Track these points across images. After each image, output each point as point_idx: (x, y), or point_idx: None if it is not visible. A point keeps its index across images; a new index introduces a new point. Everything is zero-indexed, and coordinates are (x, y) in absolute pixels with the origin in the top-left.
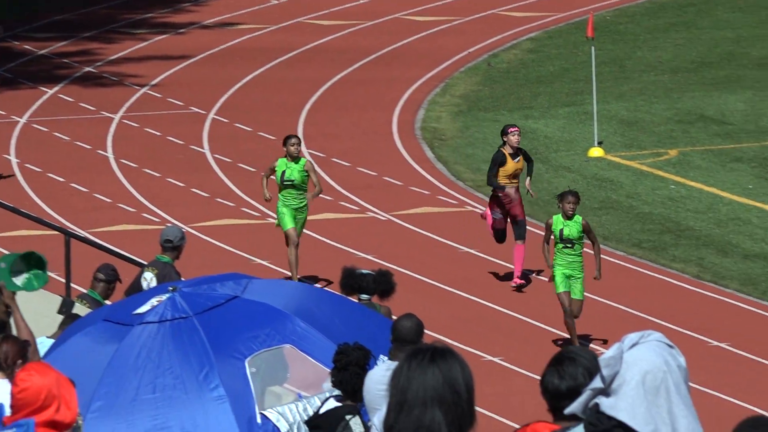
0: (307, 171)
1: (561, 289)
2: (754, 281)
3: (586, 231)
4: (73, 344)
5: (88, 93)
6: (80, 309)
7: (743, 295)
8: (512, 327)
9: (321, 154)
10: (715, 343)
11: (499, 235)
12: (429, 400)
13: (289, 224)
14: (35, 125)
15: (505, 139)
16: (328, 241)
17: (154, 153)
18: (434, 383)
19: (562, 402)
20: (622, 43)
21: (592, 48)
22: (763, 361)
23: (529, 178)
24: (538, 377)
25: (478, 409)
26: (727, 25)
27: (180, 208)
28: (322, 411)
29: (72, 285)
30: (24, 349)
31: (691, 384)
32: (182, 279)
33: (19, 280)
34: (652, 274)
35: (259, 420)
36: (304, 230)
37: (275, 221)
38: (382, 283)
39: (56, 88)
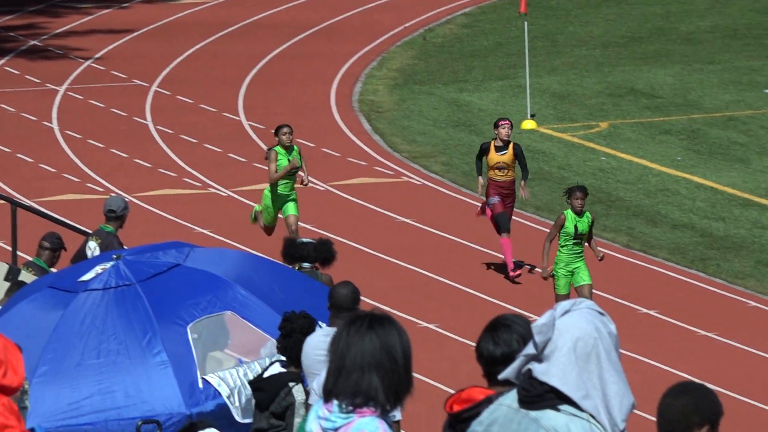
0: (301, 156)
1: (563, 291)
2: (682, 250)
3: (592, 225)
4: (19, 311)
5: (33, 66)
6: (26, 276)
7: (672, 263)
8: (447, 294)
9: (261, 126)
10: (645, 310)
11: (502, 219)
12: (366, 365)
13: (273, 221)
14: None
15: (495, 132)
16: None
17: (98, 124)
18: (372, 349)
19: (496, 368)
20: (554, 19)
21: (525, 23)
22: (691, 328)
23: (523, 182)
24: (473, 344)
25: (414, 374)
26: (656, 0)
27: (123, 179)
28: (266, 375)
29: (18, 253)
30: None
31: (621, 350)
32: (125, 248)
33: None
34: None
35: (200, 384)
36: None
37: (256, 209)
38: (323, 252)
39: (2, 61)
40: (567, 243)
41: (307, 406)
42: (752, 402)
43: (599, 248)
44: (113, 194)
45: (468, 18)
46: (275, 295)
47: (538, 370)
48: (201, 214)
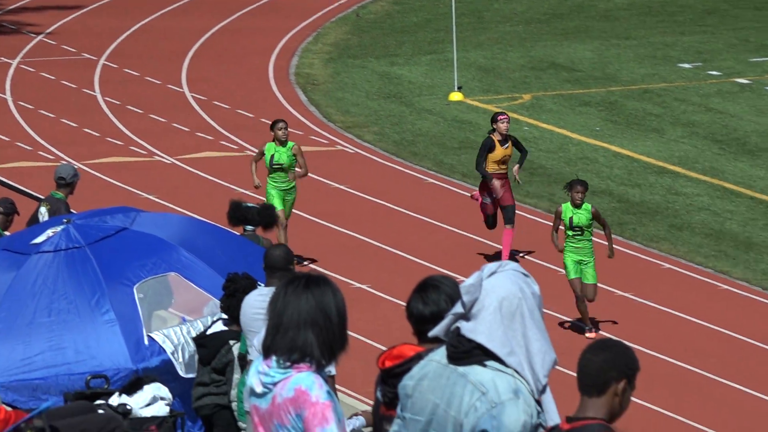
0: (294, 154)
1: (572, 275)
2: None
3: (596, 217)
4: None
5: None
6: None
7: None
8: (379, 257)
9: (203, 98)
10: (563, 272)
11: (490, 221)
12: (303, 323)
13: (277, 206)
14: None
15: (494, 126)
16: (211, 177)
17: (49, 96)
18: (308, 308)
19: (425, 326)
20: None
21: (453, 1)
22: (609, 288)
23: (518, 165)
24: (404, 303)
25: (348, 332)
26: None
27: (73, 147)
28: (209, 332)
29: None
30: None
31: (544, 310)
32: (74, 212)
33: None
34: None
35: (146, 341)
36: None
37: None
38: (265, 216)
39: None
40: (568, 234)
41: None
42: (667, 358)
43: (615, 246)
44: (63, 162)
45: None
46: (217, 257)
47: (466, 328)
48: (147, 180)
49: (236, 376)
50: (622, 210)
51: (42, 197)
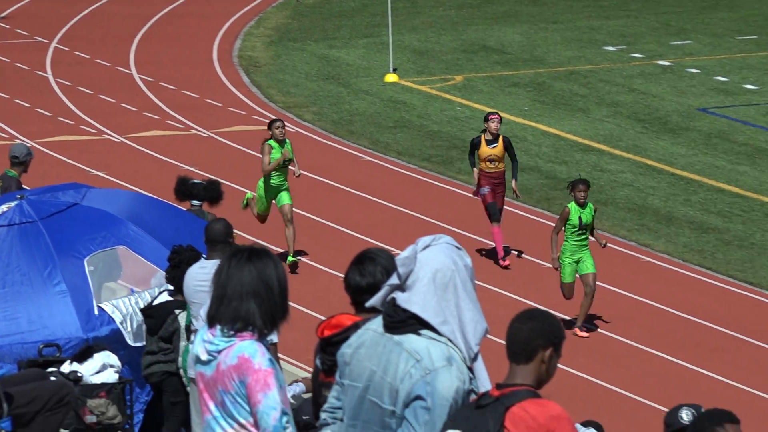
0: (293, 149)
1: (568, 279)
2: (530, 191)
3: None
4: None
5: None
6: None
7: (519, 203)
8: (318, 231)
9: (150, 79)
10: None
11: (492, 209)
12: (245, 294)
13: (286, 201)
14: None
15: (485, 126)
16: (157, 155)
17: (2, 77)
18: (250, 279)
19: (362, 296)
20: None
21: None
22: (537, 260)
23: (514, 180)
24: (342, 275)
25: (289, 303)
26: None
27: (26, 126)
28: (156, 303)
29: None
30: None
31: (476, 282)
32: (27, 189)
33: None
34: (440, 185)
35: (96, 312)
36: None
37: (247, 196)
38: (211, 191)
39: None
40: (572, 234)
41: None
42: (601, 331)
43: (602, 233)
44: (17, 141)
45: None
46: (164, 231)
47: (401, 298)
48: (96, 158)
49: (183, 343)
50: (550, 186)
51: None
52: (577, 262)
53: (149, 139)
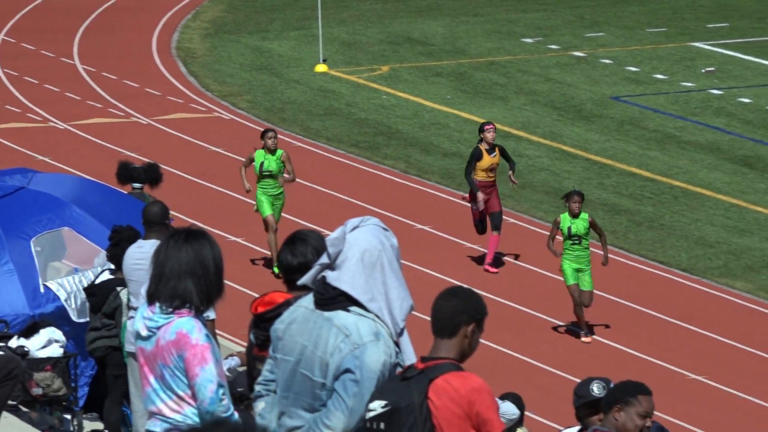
0: (283, 161)
1: (571, 281)
2: (452, 175)
3: (593, 226)
4: None
5: None
6: None
7: (443, 186)
8: (251, 213)
9: (93, 69)
10: (419, 226)
11: (479, 226)
12: (183, 273)
13: (267, 211)
14: None
15: (481, 136)
16: (100, 141)
17: None
18: (187, 259)
19: (294, 275)
20: None
21: None
22: (459, 240)
23: (511, 171)
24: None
25: (225, 281)
26: None
27: None
28: (97, 281)
29: None
30: None
31: (402, 261)
32: None
33: None
34: (367, 169)
35: (42, 290)
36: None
37: (254, 206)
38: (151, 174)
39: None
40: (566, 243)
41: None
42: (512, 304)
43: (609, 255)
44: None
45: None
46: (106, 213)
47: (331, 276)
48: (42, 144)
49: (125, 319)
50: None
51: None
52: (578, 272)
53: (92, 126)
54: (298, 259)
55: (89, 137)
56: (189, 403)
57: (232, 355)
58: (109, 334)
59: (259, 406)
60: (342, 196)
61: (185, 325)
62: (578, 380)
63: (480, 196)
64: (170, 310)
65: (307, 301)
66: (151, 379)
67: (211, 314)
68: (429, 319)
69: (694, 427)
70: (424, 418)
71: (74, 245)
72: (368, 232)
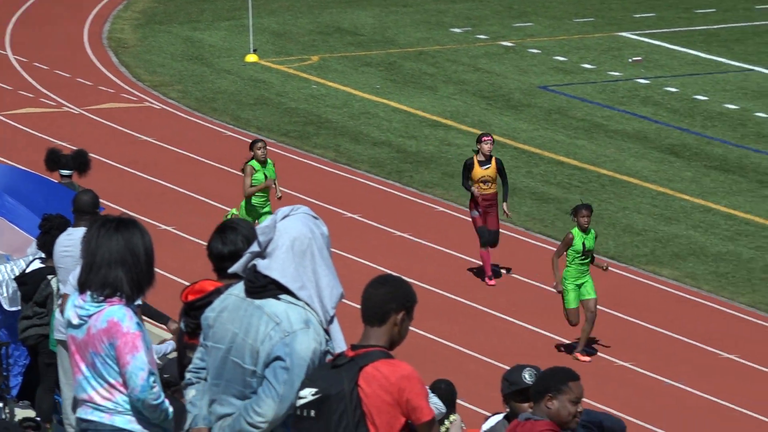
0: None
1: (573, 305)
2: (381, 164)
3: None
4: None
5: None
6: None
7: (372, 175)
8: (183, 201)
9: (24, 59)
10: (349, 214)
11: (482, 233)
12: (113, 262)
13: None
14: None
15: (478, 147)
16: (31, 130)
17: None
18: (118, 248)
19: (224, 263)
20: None
21: None
22: (388, 229)
23: (505, 203)
24: (205, 243)
25: (156, 269)
26: None
27: None
28: (28, 270)
29: None
30: None
31: (332, 249)
32: None
33: None
34: (297, 158)
35: None
36: None
37: (232, 212)
38: (79, 160)
39: None
40: (575, 260)
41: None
42: (441, 291)
43: (604, 263)
44: None
45: None
46: (37, 202)
47: (262, 265)
48: None
49: (55, 307)
50: (400, 159)
51: None
52: (579, 287)
53: (23, 116)
54: (229, 247)
55: (21, 127)
56: (120, 391)
57: (166, 341)
58: (40, 322)
59: (190, 393)
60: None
61: (116, 312)
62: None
63: (475, 191)
64: (101, 298)
65: (238, 289)
66: (83, 366)
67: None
68: (359, 306)
69: (622, 413)
70: (354, 406)
71: (6, 234)
72: (298, 220)
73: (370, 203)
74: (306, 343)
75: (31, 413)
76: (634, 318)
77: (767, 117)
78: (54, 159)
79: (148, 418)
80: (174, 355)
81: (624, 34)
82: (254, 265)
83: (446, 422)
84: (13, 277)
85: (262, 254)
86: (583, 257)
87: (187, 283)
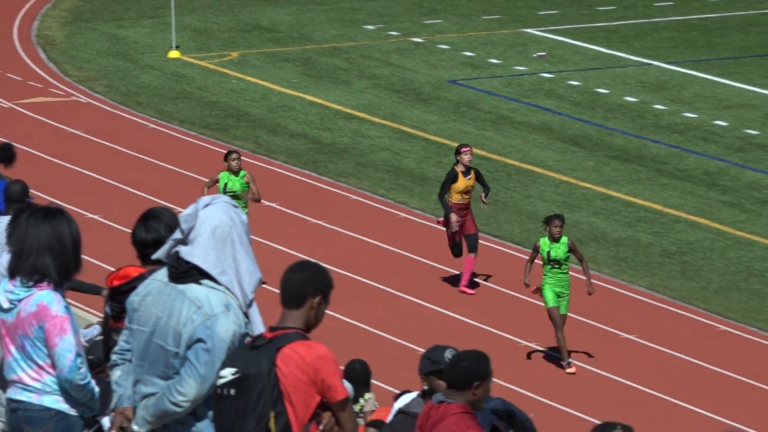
0: (247, 182)
1: (551, 304)
2: (298, 155)
3: (572, 250)
4: None
5: None
6: None
7: (289, 165)
8: (109, 191)
9: None
10: (267, 203)
11: (455, 249)
12: (41, 249)
13: None
14: None
15: (458, 158)
16: None
17: None
18: (45, 236)
19: (148, 250)
20: None
21: None
22: (305, 217)
23: (484, 193)
24: (130, 231)
25: (83, 256)
26: None
27: None
28: None
29: None
30: None
31: (251, 236)
32: None
33: None
34: (217, 149)
35: None
36: None
37: None
38: (4, 152)
39: None
40: (546, 268)
41: None
42: (356, 276)
43: (592, 280)
44: None
45: None
46: None
47: (184, 251)
48: None
49: None
50: (316, 150)
51: None
52: (558, 295)
53: None
54: (152, 234)
55: None
56: (48, 372)
57: (93, 325)
58: None
59: (115, 374)
60: (193, 175)
61: (45, 297)
62: (419, 349)
63: (453, 217)
64: (31, 283)
65: (161, 274)
66: (12, 349)
67: None
68: (277, 291)
69: (526, 391)
70: (272, 385)
71: None
72: (219, 209)
73: (287, 192)
74: (226, 325)
75: None
76: (538, 301)
77: (665, 109)
78: None
79: (76, 398)
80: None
81: (529, 30)
82: (177, 252)
83: (361, 400)
84: None
85: (184, 241)
86: (551, 265)
87: (112, 269)
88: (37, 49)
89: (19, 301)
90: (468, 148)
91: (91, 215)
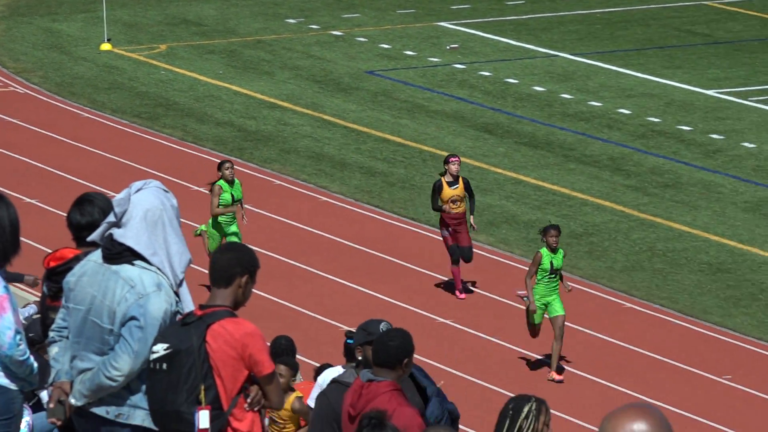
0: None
1: (538, 320)
2: (225, 142)
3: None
4: None
5: None
6: None
7: (216, 152)
8: (45, 176)
9: None
10: (195, 188)
11: (455, 252)
12: None
13: (213, 247)
14: None
15: (446, 168)
16: None
17: None
18: None
19: (83, 233)
20: None
21: None
22: (249, 206)
23: (471, 216)
24: (65, 215)
25: (21, 239)
26: None
27: None
28: None
29: None
30: None
31: (181, 219)
32: None
33: None
34: (148, 137)
35: None
36: None
37: (201, 228)
38: None
39: None
40: (543, 278)
41: None
42: (277, 256)
43: (568, 282)
44: None
45: None
46: None
47: (118, 234)
48: None
49: None
50: (242, 138)
51: None
52: (546, 305)
53: None
54: (86, 218)
55: None
56: None
57: (29, 304)
58: None
59: (53, 350)
60: (126, 161)
61: None
62: (341, 325)
63: (446, 207)
64: None
65: (96, 255)
66: None
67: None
68: (206, 271)
69: (443, 366)
70: (202, 360)
71: None
72: (150, 193)
73: (214, 177)
74: (158, 304)
75: None
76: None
77: (571, 98)
78: None
79: (15, 373)
80: (38, 316)
81: (442, 23)
82: (111, 234)
83: None
84: None
85: (117, 224)
86: (551, 276)
87: (49, 251)
88: None
89: None
90: (456, 158)
91: (29, 200)
